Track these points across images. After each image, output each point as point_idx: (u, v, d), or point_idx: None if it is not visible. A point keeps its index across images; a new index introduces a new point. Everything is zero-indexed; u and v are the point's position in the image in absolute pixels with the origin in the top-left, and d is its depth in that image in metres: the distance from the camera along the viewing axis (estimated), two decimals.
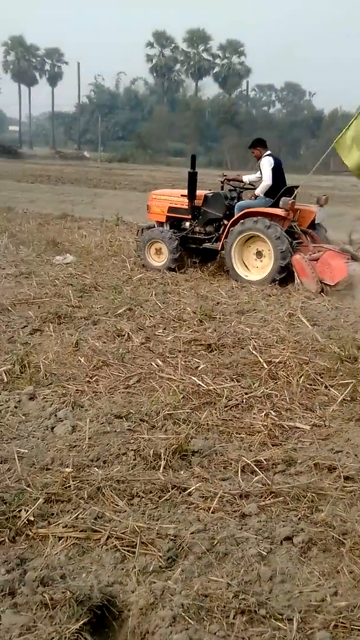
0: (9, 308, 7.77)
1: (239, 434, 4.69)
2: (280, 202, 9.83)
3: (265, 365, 5.89)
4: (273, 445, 4.52)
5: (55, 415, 4.78)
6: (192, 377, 5.62)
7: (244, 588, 2.96)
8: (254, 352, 6.24)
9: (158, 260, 10.92)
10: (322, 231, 10.65)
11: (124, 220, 16.14)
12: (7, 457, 4.14)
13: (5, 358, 5.94)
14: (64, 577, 3.01)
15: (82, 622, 2.71)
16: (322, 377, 5.68)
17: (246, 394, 5.35)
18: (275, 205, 9.99)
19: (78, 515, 3.52)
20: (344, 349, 6.12)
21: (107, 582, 3.03)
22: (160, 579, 3.05)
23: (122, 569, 3.15)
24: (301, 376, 5.66)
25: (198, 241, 10.99)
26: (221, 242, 10.37)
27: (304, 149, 74.69)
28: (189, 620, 2.73)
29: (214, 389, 5.41)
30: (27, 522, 3.44)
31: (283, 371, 5.78)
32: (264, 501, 3.74)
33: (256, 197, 10.41)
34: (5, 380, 5.49)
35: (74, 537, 3.35)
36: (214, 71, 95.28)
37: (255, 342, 6.55)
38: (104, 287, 9.13)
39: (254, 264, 10.12)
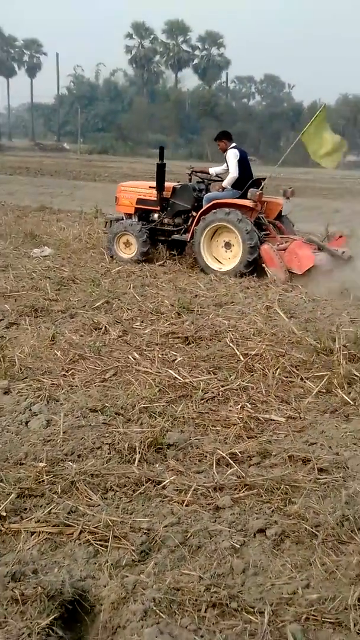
0: None
1: (215, 427, 4.68)
2: (249, 194, 9.97)
3: (241, 357, 5.90)
4: (248, 438, 4.52)
5: (30, 410, 4.74)
6: (169, 370, 5.61)
7: (216, 581, 2.96)
8: (230, 344, 6.24)
9: (127, 252, 10.93)
10: (288, 223, 10.86)
11: (103, 212, 16.06)
12: None
13: None
14: (35, 572, 2.99)
15: (52, 617, 2.70)
16: (298, 370, 5.70)
17: (222, 386, 5.35)
18: (243, 196, 10.11)
19: (51, 510, 3.49)
20: (320, 341, 6.13)
21: (80, 576, 3.01)
22: (132, 572, 3.04)
23: (95, 563, 3.13)
24: (277, 368, 5.66)
25: (167, 233, 11.06)
26: (190, 233, 10.44)
27: (284, 140, 74.88)
28: (160, 614, 2.72)
29: (191, 381, 5.40)
30: None
31: (259, 364, 5.79)
32: (238, 494, 3.74)
33: (224, 189, 10.52)
34: None
35: (47, 532, 3.33)
36: (194, 63, 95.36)
37: (233, 334, 6.55)
38: (82, 280, 9.09)
39: (225, 256, 10.21)
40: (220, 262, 10.20)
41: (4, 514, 3.43)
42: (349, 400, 5.09)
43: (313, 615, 2.77)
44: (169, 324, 7.00)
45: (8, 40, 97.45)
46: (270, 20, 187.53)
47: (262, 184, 10.34)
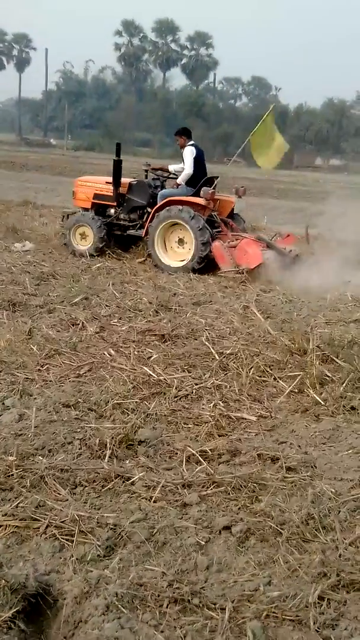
0: None
1: (187, 424, 4.71)
2: (201, 192, 10.16)
3: (216, 356, 5.92)
4: (219, 436, 4.54)
5: (2, 404, 4.72)
6: (144, 367, 5.62)
7: (179, 577, 2.98)
8: (206, 343, 6.27)
9: (83, 244, 11.04)
10: (240, 221, 11.14)
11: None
12: None
13: None
14: (0, 565, 2.99)
15: (14, 610, 2.70)
16: (271, 369, 5.73)
17: (196, 384, 5.37)
18: (197, 194, 10.29)
19: (19, 503, 3.49)
20: (294, 342, 6.17)
21: (44, 570, 3.01)
22: (97, 567, 3.05)
23: (60, 557, 3.14)
24: (251, 368, 5.69)
25: (122, 228, 11.20)
26: (145, 229, 10.56)
27: None
28: (122, 609, 2.73)
29: (165, 379, 5.42)
30: None
31: (234, 362, 5.82)
32: (205, 491, 3.76)
33: (178, 185, 10.67)
34: None
35: (13, 525, 3.33)
36: (182, 62, 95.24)
37: (209, 333, 6.58)
38: (62, 275, 9.10)
39: (181, 252, 10.38)
40: (178, 260, 10.35)
41: None
42: (320, 401, 5.13)
43: (273, 612, 2.79)
44: (146, 322, 7.02)
45: None
46: (260, 23, 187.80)
47: (215, 182, 10.60)
